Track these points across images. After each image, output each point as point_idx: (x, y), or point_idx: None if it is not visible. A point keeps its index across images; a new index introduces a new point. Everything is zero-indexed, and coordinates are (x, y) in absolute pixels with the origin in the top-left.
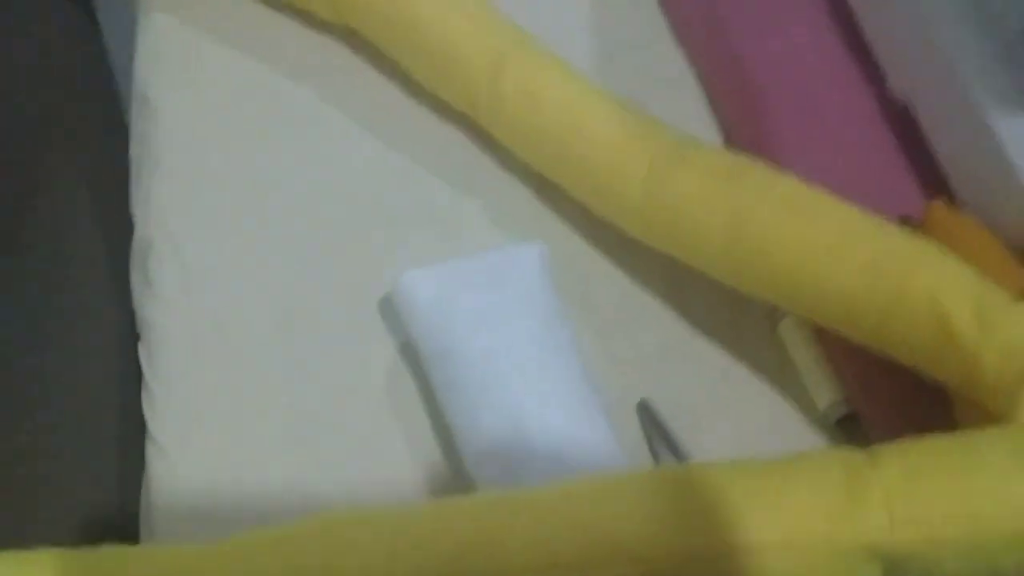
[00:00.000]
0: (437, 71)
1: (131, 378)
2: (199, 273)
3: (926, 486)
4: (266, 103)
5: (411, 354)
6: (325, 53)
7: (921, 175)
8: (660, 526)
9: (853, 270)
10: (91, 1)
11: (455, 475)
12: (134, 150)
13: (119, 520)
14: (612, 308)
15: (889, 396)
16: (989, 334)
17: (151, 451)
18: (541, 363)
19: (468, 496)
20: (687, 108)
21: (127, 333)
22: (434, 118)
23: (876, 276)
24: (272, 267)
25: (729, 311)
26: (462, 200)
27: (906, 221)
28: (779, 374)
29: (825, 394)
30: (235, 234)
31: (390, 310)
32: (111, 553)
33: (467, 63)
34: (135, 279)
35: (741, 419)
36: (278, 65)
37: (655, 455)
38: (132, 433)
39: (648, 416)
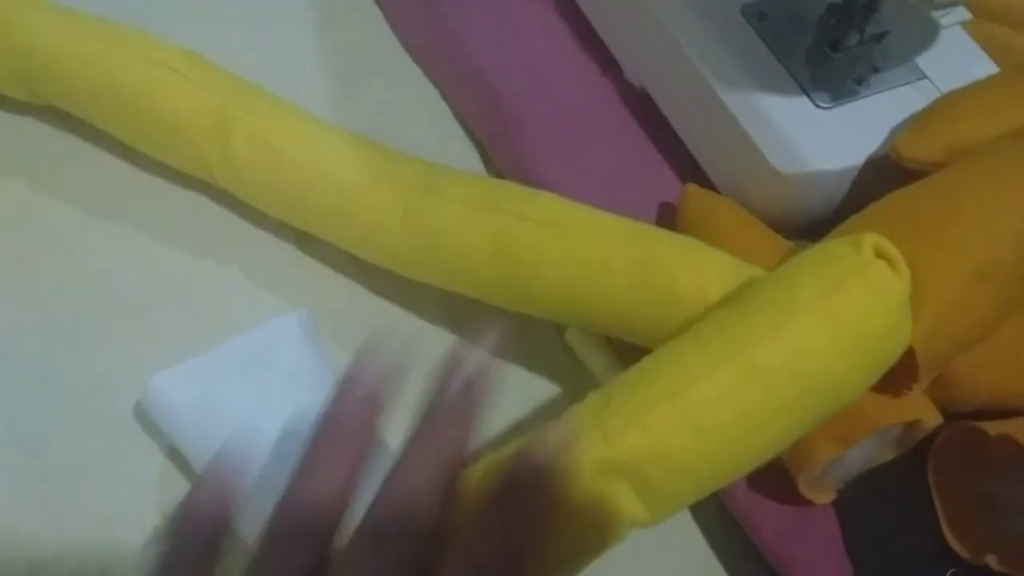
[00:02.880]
0: (159, 140)
1: None
2: None
3: (623, 394)
4: None
5: (181, 460)
6: (30, 139)
7: (677, 161)
8: None
9: (618, 281)
10: None
11: None
12: None
13: None
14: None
15: None
16: None
17: None
18: None
19: None
20: (439, 129)
21: None
22: (169, 187)
23: (642, 283)
24: (7, 392)
25: (516, 331)
26: (215, 270)
27: (665, 208)
28: (575, 383)
29: None
30: None
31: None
32: None
33: (190, 126)
34: None
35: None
36: None
37: None
38: None
39: None
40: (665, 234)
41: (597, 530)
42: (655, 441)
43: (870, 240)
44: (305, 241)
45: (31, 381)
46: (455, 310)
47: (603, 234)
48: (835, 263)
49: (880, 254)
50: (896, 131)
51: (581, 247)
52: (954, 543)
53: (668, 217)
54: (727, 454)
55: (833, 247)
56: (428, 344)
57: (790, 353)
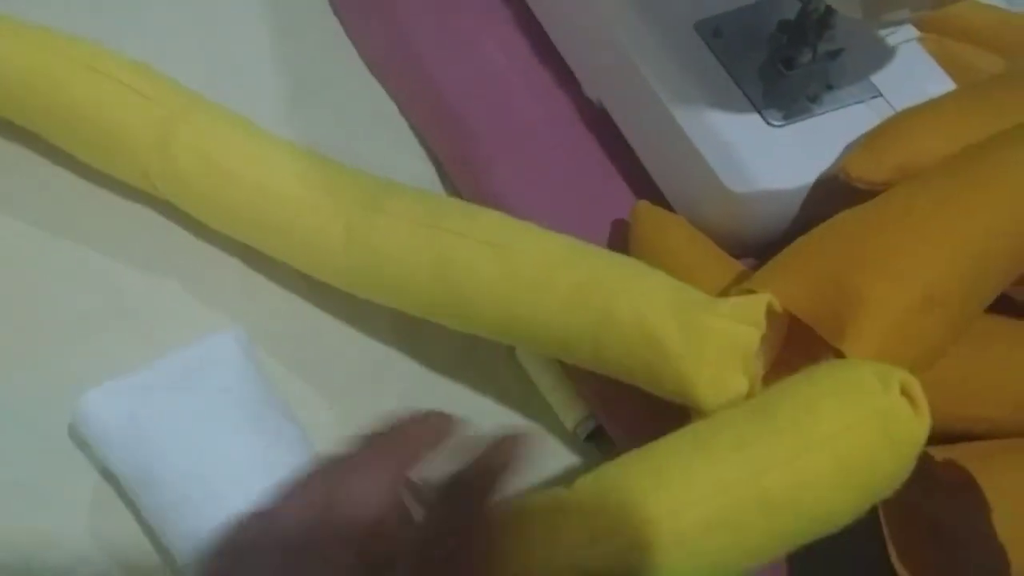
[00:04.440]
0: (101, 150)
1: None
2: None
3: (617, 496)
4: None
5: (116, 480)
6: None
7: (633, 178)
8: None
9: (557, 302)
10: None
11: None
12: None
13: None
14: (348, 368)
15: (628, 408)
16: (696, 345)
17: None
18: (251, 463)
19: None
20: (396, 143)
21: None
22: (115, 199)
23: (581, 305)
24: None
25: (466, 348)
26: (159, 284)
27: (618, 224)
28: (525, 401)
29: (571, 413)
30: None
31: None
32: None
33: (132, 137)
34: None
35: None
36: None
37: None
38: None
39: None
40: (607, 255)
41: None
42: (640, 554)
43: (898, 378)
44: (252, 256)
45: None
46: (404, 328)
47: (544, 254)
48: (860, 396)
49: (906, 392)
50: (848, 150)
51: (520, 267)
52: (903, 572)
53: (621, 233)
54: (714, 573)
55: (862, 376)
56: (374, 362)
57: (798, 487)
